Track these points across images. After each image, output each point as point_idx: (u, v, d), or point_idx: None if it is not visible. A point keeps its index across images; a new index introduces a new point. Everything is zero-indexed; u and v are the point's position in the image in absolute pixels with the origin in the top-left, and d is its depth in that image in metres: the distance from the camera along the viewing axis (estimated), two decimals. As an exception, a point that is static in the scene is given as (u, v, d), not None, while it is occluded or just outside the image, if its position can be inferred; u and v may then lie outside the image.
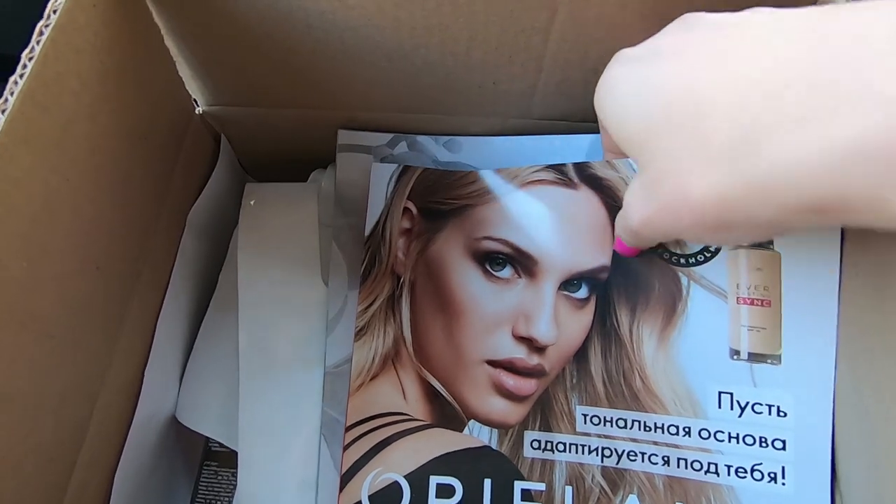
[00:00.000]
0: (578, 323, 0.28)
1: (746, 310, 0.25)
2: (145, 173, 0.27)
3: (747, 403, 0.25)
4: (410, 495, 0.27)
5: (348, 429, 0.28)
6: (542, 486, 0.27)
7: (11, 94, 0.18)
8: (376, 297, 0.30)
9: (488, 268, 0.28)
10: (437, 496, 0.27)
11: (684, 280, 0.26)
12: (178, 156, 0.31)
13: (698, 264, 0.26)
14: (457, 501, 0.27)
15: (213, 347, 0.31)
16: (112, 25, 0.23)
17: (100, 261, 0.24)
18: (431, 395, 0.28)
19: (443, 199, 0.30)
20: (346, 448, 0.28)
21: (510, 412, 0.28)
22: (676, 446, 0.26)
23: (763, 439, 0.25)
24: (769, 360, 0.25)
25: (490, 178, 0.30)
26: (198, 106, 0.33)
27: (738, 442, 0.25)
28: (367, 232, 0.30)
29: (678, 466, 0.26)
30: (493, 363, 0.28)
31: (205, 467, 0.33)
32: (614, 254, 0.27)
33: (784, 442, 0.25)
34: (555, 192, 0.29)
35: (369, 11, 0.25)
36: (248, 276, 0.31)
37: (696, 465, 0.25)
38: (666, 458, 0.26)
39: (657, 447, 0.26)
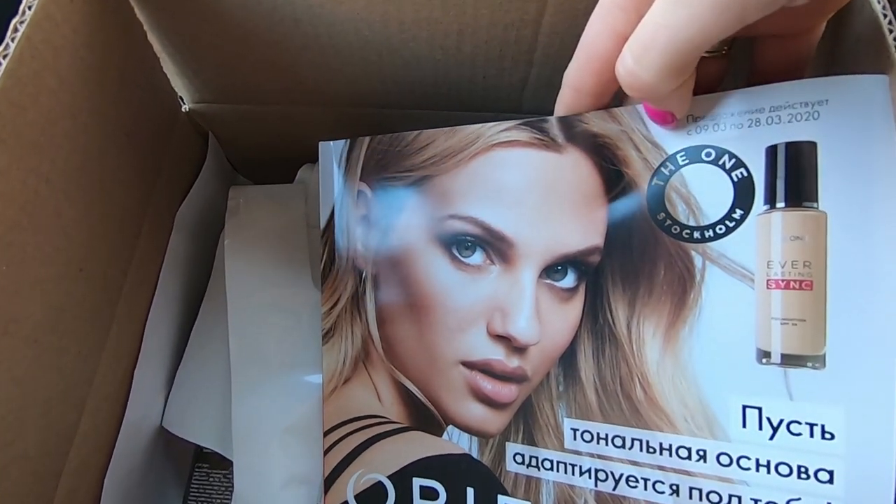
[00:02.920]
0: (564, 318, 0.23)
1: (780, 296, 0.19)
2: (130, 173, 0.27)
3: (781, 422, 0.20)
4: (395, 495, 0.26)
5: (326, 433, 0.27)
6: None
7: (-14, 93, 0.17)
8: (340, 295, 0.27)
9: (456, 253, 0.24)
10: (422, 497, 0.26)
11: (698, 260, 0.21)
12: (165, 154, 0.30)
13: (717, 238, 0.20)
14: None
15: (203, 355, 0.31)
16: (92, 21, 0.22)
17: (84, 263, 0.23)
18: (407, 397, 0.26)
19: (397, 173, 0.26)
20: (326, 452, 0.27)
21: (490, 420, 0.24)
22: (688, 473, 0.21)
23: (803, 469, 0.19)
24: (809, 364, 0.19)
25: (448, 140, 0.25)
26: (184, 104, 0.32)
27: (768, 471, 0.20)
28: (321, 223, 0.27)
29: (690, 497, 0.21)
30: (469, 364, 0.24)
31: (196, 469, 0.33)
32: (609, 232, 0.22)
33: (831, 473, 0.19)
34: (532, 155, 0.23)
35: (358, 5, 0.25)
36: (236, 282, 0.31)
37: (714, 498, 0.21)
38: (675, 487, 0.21)
39: (664, 473, 0.21)
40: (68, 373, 0.23)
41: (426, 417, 0.26)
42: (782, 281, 0.20)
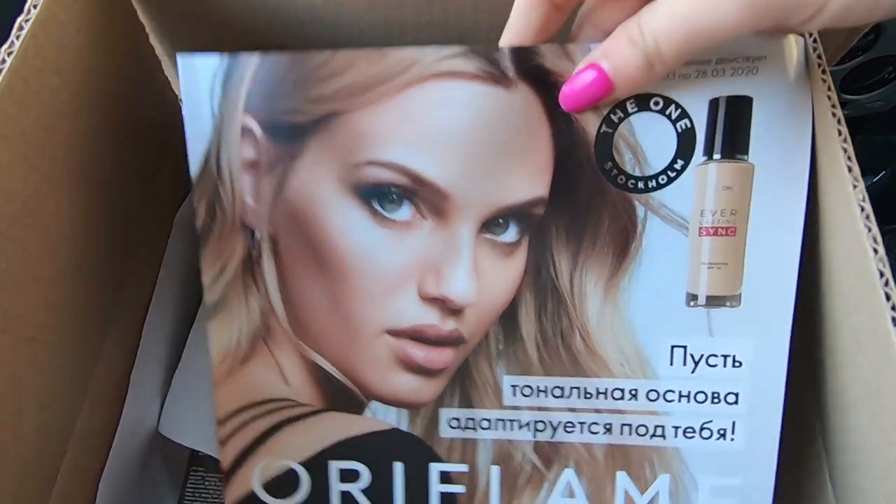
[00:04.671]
0: (506, 275, 0.22)
1: (709, 243, 0.21)
2: (130, 173, 0.27)
3: (701, 356, 0.22)
4: (310, 481, 0.24)
5: (221, 422, 0.24)
6: (463, 468, 0.24)
7: (-11, 89, 0.18)
8: (227, 261, 0.22)
9: (377, 207, 0.21)
10: (342, 481, 0.24)
11: (640, 211, 0.21)
12: (165, 155, 0.30)
13: (659, 188, 0.21)
14: (365, 486, 0.24)
15: (199, 359, 0.30)
16: (95, 22, 0.22)
17: (83, 262, 0.23)
18: (319, 376, 0.23)
19: (298, 107, 0.21)
20: (222, 444, 0.24)
21: (421, 389, 0.23)
22: (621, 412, 0.23)
23: (716, 395, 0.22)
24: (728, 303, 0.21)
25: (372, 65, 0.20)
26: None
27: (688, 401, 0.22)
28: (193, 171, 0.22)
29: (621, 433, 0.23)
30: (396, 333, 0.22)
31: (192, 473, 0.33)
32: (554, 182, 0.21)
33: (737, 395, 0.22)
34: (477, 90, 0.20)
35: (360, 8, 0.25)
36: None
37: (642, 430, 0.23)
38: (608, 426, 0.23)
39: (598, 415, 0.23)
40: (65, 373, 0.23)
41: (343, 396, 0.23)
42: (712, 228, 0.21)
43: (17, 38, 0.18)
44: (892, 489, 0.16)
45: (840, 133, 0.17)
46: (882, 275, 0.15)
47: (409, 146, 0.21)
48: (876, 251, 0.15)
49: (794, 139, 0.20)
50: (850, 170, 0.16)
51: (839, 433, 0.20)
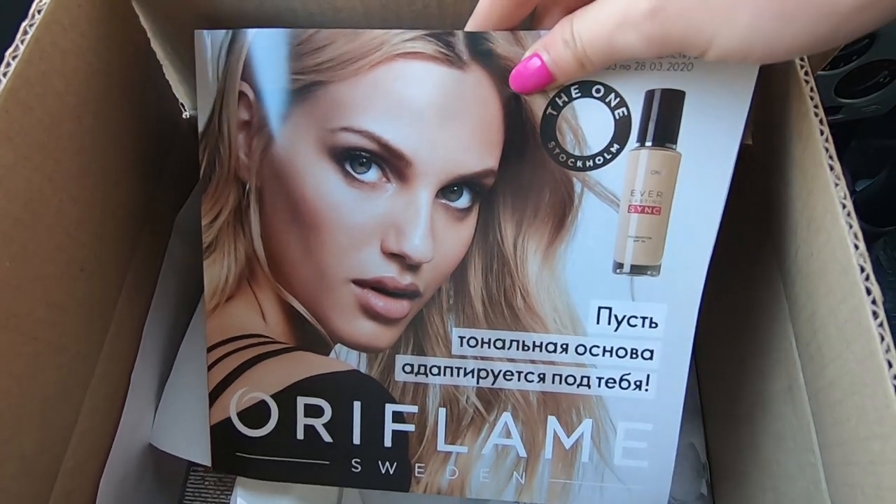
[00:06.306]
0: (458, 237, 0.24)
1: (636, 219, 0.24)
2: (132, 176, 0.27)
3: (624, 317, 0.25)
4: (279, 414, 0.26)
5: (210, 349, 0.27)
6: (414, 409, 0.26)
7: (-5, 92, 0.18)
8: (222, 207, 0.25)
9: (349, 169, 0.24)
10: (306, 415, 0.26)
11: (578, 187, 0.23)
12: (166, 159, 0.31)
13: (596, 167, 0.23)
14: (326, 420, 0.26)
15: (190, 369, 0.30)
16: (98, 27, 0.23)
17: (84, 263, 0.24)
18: (293, 317, 0.26)
19: (285, 76, 0.24)
20: (210, 368, 0.27)
21: (380, 335, 0.25)
22: (553, 363, 0.25)
23: (634, 350, 0.25)
24: (649, 272, 0.24)
25: (349, 43, 0.23)
26: (185, 110, 0.33)
27: (611, 355, 0.25)
28: (200, 127, 0.25)
29: (553, 382, 0.26)
30: (360, 283, 0.25)
31: (192, 472, 0.33)
32: (503, 156, 0.24)
33: (652, 352, 0.25)
34: (435, 70, 0.23)
35: (357, 13, 0.26)
36: None
37: (570, 380, 0.26)
38: (542, 375, 0.26)
39: (534, 365, 0.26)
40: (67, 372, 0.24)
41: (313, 337, 0.26)
42: (640, 206, 0.23)
43: (22, 41, 0.19)
44: (878, 482, 0.16)
45: (822, 133, 0.18)
46: (863, 270, 0.15)
47: (378, 116, 0.23)
48: (857, 246, 0.15)
49: (723, 133, 0.22)
50: (831, 168, 0.17)
51: (830, 429, 0.21)
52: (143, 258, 0.29)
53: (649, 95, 0.22)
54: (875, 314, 0.15)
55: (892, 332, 0.15)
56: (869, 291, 0.15)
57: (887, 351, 0.15)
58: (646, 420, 0.26)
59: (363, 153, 0.24)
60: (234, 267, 0.26)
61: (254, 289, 0.26)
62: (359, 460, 0.27)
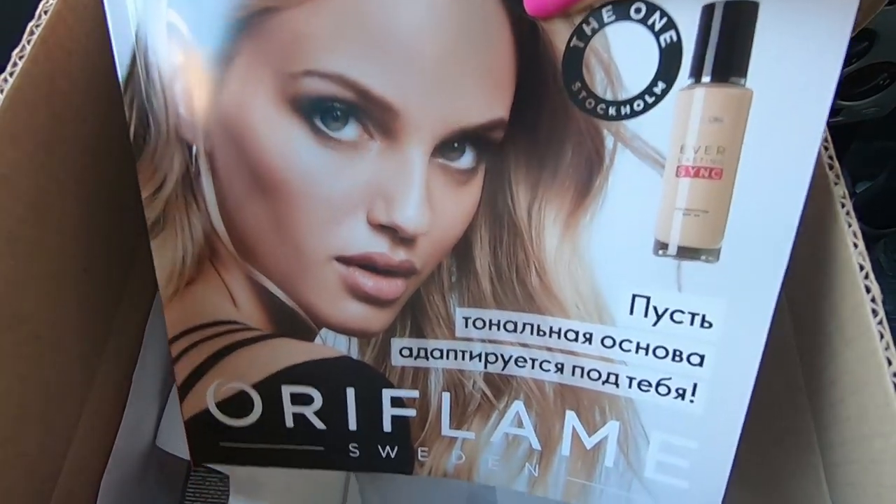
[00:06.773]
0: (460, 204, 0.20)
1: (687, 185, 0.18)
2: (135, 176, 0.27)
3: (666, 310, 0.20)
4: (262, 404, 0.23)
5: (173, 340, 0.23)
6: (414, 394, 0.23)
7: (1, 91, 0.18)
8: (165, 175, 0.20)
9: (320, 125, 0.19)
10: (294, 403, 0.23)
11: (609, 141, 0.18)
12: (168, 160, 0.31)
13: (633, 115, 0.18)
14: (317, 408, 0.23)
15: None
16: (104, 28, 0.23)
17: (88, 263, 0.24)
18: (269, 300, 0.22)
19: (227, 0, 0.18)
20: (176, 360, 0.23)
21: (371, 318, 0.22)
22: (573, 353, 0.21)
23: (678, 352, 0.20)
24: (703, 257, 0.18)
25: None
26: (188, 111, 0.33)
27: (646, 353, 0.20)
28: (120, 73, 0.19)
29: (573, 374, 0.22)
30: (345, 260, 0.21)
31: (193, 473, 0.33)
32: (515, 103, 0.19)
33: (703, 358, 0.20)
34: None
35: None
36: None
37: (594, 375, 0.22)
38: (559, 366, 0.22)
39: (550, 353, 0.22)
40: (69, 372, 0.24)
41: (293, 322, 0.22)
42: (692, 168, 0.17)
43: (29, 42, 0.19)
44: (879, 480, 0.17)
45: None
46: (862, 268, 0.15)
47: (353, 54, 0.18)
48: (856, 245, 0.15)
49: (814, 62, 0.15)
50: (830, 167, 0.17)
51: (830, 428, 0.21)
52: (147, 257, 0.29)
53: (707, 11, 0.16)
54: (874, 312, 0.15)
55: (892, 332, 0.15)
56: (868, 290, 0.15)
57: (887, 349, 0.15)
58: (689, 436, 0.21)
59: (336, 104, 0.18)
60: (191, 246, 0.21)
61: (219, 270, 0.21)
62: (357, 445, 0.25)
